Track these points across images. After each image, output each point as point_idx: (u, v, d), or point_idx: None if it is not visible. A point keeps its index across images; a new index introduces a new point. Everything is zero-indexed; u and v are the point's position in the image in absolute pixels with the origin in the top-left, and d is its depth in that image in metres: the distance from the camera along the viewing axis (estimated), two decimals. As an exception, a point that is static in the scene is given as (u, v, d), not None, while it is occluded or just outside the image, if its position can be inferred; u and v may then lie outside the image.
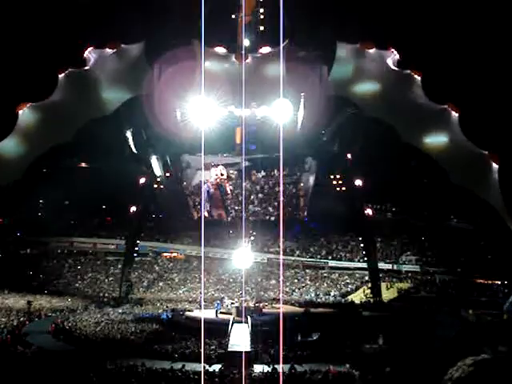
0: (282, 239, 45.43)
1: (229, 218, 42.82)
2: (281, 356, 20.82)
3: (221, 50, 31.18)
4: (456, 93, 34.10)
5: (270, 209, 45.38)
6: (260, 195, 45.34)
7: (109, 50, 31.67)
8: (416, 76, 31.51)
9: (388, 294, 49.17)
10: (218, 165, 40.59)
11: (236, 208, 42.14)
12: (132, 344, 30.25)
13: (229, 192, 37.41)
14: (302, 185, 46.31)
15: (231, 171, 42.06)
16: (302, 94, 33.09)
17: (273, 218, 45.61)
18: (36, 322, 38.19)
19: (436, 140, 33.11)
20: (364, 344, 29.00)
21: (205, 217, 40.07)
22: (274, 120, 33.67)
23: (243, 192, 39.81)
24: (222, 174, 38.19)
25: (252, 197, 44.48)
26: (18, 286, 50.44)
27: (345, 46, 31.76)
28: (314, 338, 31.01)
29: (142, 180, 47.84)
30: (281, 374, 22.33)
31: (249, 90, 28.90)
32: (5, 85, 32.60)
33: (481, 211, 38.19)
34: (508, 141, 34.86)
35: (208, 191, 39.33)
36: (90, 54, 31.58)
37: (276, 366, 24.00)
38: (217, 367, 24.58)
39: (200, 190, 41.96)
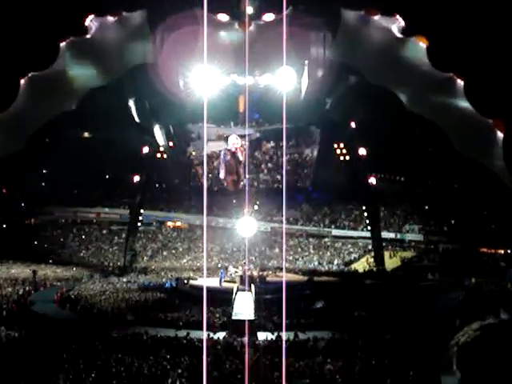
0: (284, 208, 45.35)
1: (240, 186, 42.93)
2: (284, 324, 20.94)
3: (224, 17, 30.74)
4: (462, 61, 33.69)
5: (279, 177, 45.49)
6: (270, 165, 45.34)
7: (110, 18, 31.24)
8: (421, 43, 31.10)
9: (391, 262, 49.38)
10: (232, 134, 40.47)
11: (247, 176, 42.23)
12: (137, 312, 30.49)
13: (241, 160, 37.30)
14: (306, 154, 46.25)
15: (242, 142, 41.96)
16: (306, 61, 32.75)
17: (280, 187, 45.73)
18: (41, 292, 38.48)
19: (441, 108, 32.83)
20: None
21: (219, 184, 40.18)
22: (278, 88, 33.41)
23: (245, 161, 39.71)
24: (237, 143, 38.16)
25: (262, 166, 44.48)
26: (22, 255, 50.78)
27: (349, 13, 31.28)
28: (318, 306, 31.23)
29: (146, 149, 47.78)
30: (283, 340, 22.53)
31: (252, 58, 28.66)
32: (6, 54, 32.27)
33: (485, 180, 38.09)
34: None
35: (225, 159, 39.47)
36: (91, 22, 31.16)
37: (280, 334, 24.21)
38: (221, 335, 24.79)
39: (209, 160, 41.95)
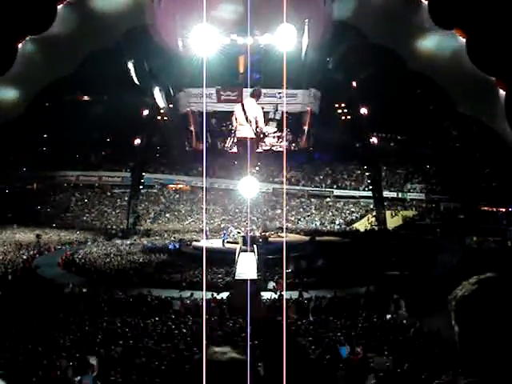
0: (285, 168, 45.36)
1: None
2: (284, 283, 21.20)
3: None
4: (464, 17, 33.18)
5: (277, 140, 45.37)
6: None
7: (108, -22, 30.79)
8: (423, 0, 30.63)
9: (393, 221, 49.63)
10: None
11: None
12: (141, 274, 30.79)
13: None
14: (307, 114, 45.99)
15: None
16: (306, 20, 32.32)
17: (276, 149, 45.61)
18: (46, 255, 38.78)
19: (442, 66, 32.52)
20: None
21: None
22: (278, 48, 33.05)
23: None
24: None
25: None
26: (26, 220, 51.05)
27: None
28: (319, 264, 31.48)
29: (146, 112, 47.57)
30: (284, 299, 22.82)
31: (252, 18, 28.25)
32: (2, 18, 31.81)
33: (486, 139, 37.95)
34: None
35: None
36: (88, -18, 30.72)
37: (283, 293, 24.50)
38: (225, 295, 25.08)
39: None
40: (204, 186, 43.93)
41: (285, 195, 51.79)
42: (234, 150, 45.37)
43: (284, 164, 32.38)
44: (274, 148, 44.46)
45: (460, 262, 29.94)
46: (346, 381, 10.96)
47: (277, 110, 41.90)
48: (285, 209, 52.67)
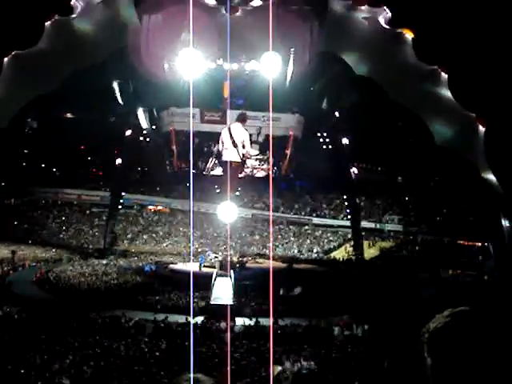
0: (271, 195, 45.35)
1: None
2: (271, 309, 21.09)
3: (211, 0, 30.55)
4: (447, 54, 33.86)
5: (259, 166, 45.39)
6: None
7: (97, -2, 30.94)
8: (407, 35, 31.19)
9: (370, 252, 49.80)
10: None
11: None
12: (115, 295, 30.49)
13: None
14: (289, 138, 46.23)
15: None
16: (292, 49, 32.69)
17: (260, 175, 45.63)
18: (20, 272, 38.30)
19: (424, 100, 33.03)
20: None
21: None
22: (264, 74, 33.35)
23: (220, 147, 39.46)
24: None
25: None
26: (1, 235, 50.31)
27: (337, 2, 31.27)
28: (296, 292, 31.44)
29: (128, 132, 47.49)
30: (271, 326, 22.73)
31: (238, 44, 28.50)
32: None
33: (465, 173, 38.42)
34: (495, 104, 34.85)
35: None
36: (77, 1, 30.81)
37: (258, 319, 24.41)
38: (199, 319, 24.91)
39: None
40: (191, 207, 43.71)
41: (271, 220, 51.66)
42: (215, 172, 45.30)
43: (270, 188, 32.54)
44: (255, 171, 44.46)
45: (435, 295, 30.08)
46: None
47: (260, 133, 41.97)
48: (271, 234, 52.67)
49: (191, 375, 1.92)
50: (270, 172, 41.19)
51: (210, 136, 41.70)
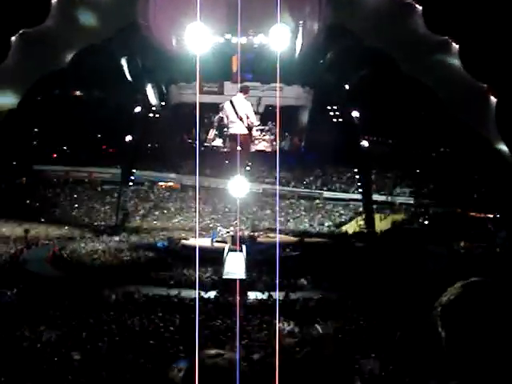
0: (278, 169, 45.35)
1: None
2: (277, 281, 21.25)
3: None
4: (457, 24, 33.40)
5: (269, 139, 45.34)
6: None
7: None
8: (417, 6, 30.79)
9: (381, 225, 49.73)
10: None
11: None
12: (128, 271, 30.69)
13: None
14: (299, 115, 46.04)
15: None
16: (301, 21, 32.39)
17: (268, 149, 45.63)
18: (33, 250, 38.60)
19: (435, 71, 32.71)
20: None
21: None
22: (272, 48, 33.06)
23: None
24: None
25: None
26: (14, 214, 50.62)
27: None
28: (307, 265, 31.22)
29: (138, 109, 47.42)
30: (277, 299, 22.85)
31: (246, 17, 28.30)
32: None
33: (476, 144, 38.16)
34: (507, 75, 34.44)
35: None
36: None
37: (271, 293, 24.54)
38: (212, 294, 25.07)
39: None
40: (197, 182, 43.64)
41: (278, 194, 51.56)
42: (216, 143, 45.24)
43: (277, 159, 32.39)
44: (257, 142, 44.14)
45: (447, 267, 30.06)
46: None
47: (260, 104, 41.64)
48: (277, 209, 52.66)
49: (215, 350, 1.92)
50: (277, 143, 41.11)
51: (209, 107, 41.63)
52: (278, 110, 38.92)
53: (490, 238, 41.64)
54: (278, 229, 43.15)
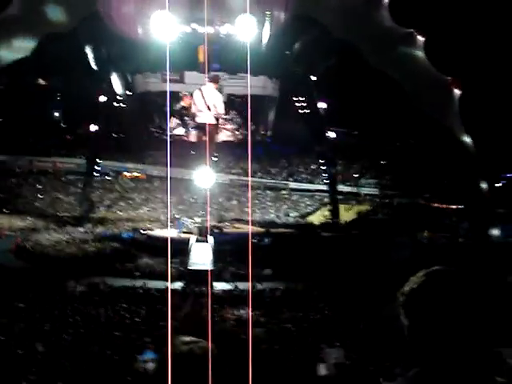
0: (250, 160, 45.16)
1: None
2: (250, 273, 21.25)
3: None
4: (422, 17, 33.81)
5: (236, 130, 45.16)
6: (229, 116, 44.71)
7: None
8: (384, -1, 31.03)
9: (347, 215, 50.17)
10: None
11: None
12: (93, 262, 30.42)
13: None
14: (265, 106, 45.96)
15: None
16: (268, 12, 32.36)
17: (234, 140, 45.48)
18: (-3, 241, 38.01)
19: (401, 64, 33.03)
20: None
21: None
22: (239, 38, 32.94)
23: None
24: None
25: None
26: (-24, 205, 49.71)
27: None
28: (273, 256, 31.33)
29: (103, 98, 46.82)
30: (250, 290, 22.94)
31: (213, 7, 28.14)
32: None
33: (440, 136, 38.66)
34: (471, 67, 35.02)
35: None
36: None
37: (237, 284, 24.61)
38: (178, 285, 25.03)
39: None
40: (168, 170, 43.21)
41: (250, 182, 51.44)
42: (177, 131, 44.96)
43: (249, 146, 32.40)
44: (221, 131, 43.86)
45: (411, 257, 30.50)
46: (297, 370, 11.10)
47: (221, 93, 41.36)
48: (250, 198, 52.63)
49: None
50: (249, 132, 41.08)
51: (172, 96, 41.27)
52: (248, 100, 38.79)
53: (453, 229, 42.39)
54: (250, 219, 43.16)
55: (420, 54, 32.02)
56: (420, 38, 31.60)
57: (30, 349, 12.48)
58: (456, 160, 37.77)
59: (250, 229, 32.84)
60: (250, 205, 53.59)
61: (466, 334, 1.68)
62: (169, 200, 38.19)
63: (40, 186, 58.41)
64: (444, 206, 50.97)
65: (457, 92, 32.46)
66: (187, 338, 1.91)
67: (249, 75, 27.94)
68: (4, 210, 51.31)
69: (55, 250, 33.90)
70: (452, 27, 34.51)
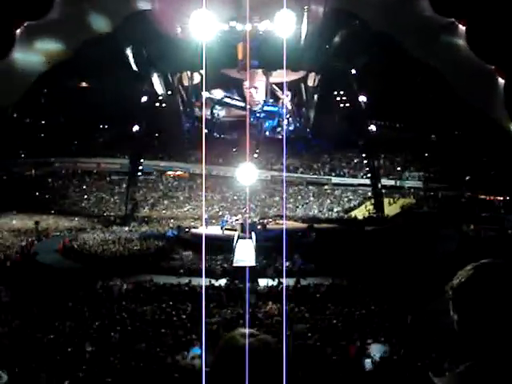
0: (285, 155, 45.15)
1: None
2: (284, 268, 21.29)
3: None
4: (464, 6, 33.11)
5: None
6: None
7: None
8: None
9: (390, 209, 49.64)
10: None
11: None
12: (139, 261, 30.81)
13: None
14: (305, 101, 45.84)
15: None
16: (306, 6, 32.20)
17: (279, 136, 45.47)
18: (44, 242, 38.82)
19: (443, 54, 32.47)
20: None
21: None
22: (278, 34, 32.84)
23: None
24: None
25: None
26: (24, 206, 50.89)
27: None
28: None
29: (144, 98, 47.40)
30: (284, 286, 22.90)
31: (251, 4, 28.16)
32: (2, 4, 31.53)
33: (485, 127, 37.91)
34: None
35: None
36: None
37: (281, 280, 24.59)
38: (222, 282, 25.15)
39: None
40: (203, 168, 43.50)
41: (285, 178, 51.51)
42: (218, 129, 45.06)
43: (284, 144, 32.24)
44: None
45: (457, 250, 30.00)
46: (343, 366, 11.04)
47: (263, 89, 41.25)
48: (284, 196, 52.67)
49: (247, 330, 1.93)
50: (284, 128, 40.95)
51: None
52: (285, 98, 38.77)
53: (500, 221, 41.47)
54: (284, 214, 43.09)
55: (462, 43, 31.42)
56: (461, 28, 30.99)
57: (79, 347, 12.73)
58: (502, 151, 36.96)
59: (284, 224, 32.77)
60: (284, 200, 53.50)
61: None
62: (203, 197, 38.34)
63: (85, 187, 59.54)
64: (490, 197, 49.91)
65: (501, 81, 31.72)
66: (245, 330, 1.89)
67: (284, 71, 27.80)
68: (51, 211, 52.48)
69: (101, 249, 34.47)
70: (494, 14, 33.68)
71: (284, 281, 24.30)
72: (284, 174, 48.85)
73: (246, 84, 36.14)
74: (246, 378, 1.73)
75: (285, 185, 53.40)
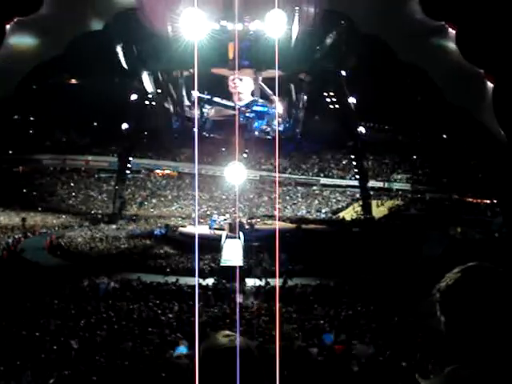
0: (277, 156, 45.18)
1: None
2: (277, 269, 21.29)
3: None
4: (454, 10, 33.22)
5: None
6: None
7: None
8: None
9: (378, 211, 49.83)
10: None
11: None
12: (126, 259, 30.74)
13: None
14: (295, 102, 45.81)
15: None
16: (297, 7, 32.22)
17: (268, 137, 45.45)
18: (31, 239, 38.62)
19: (432, 57, 32.58)
20: None
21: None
22: (268, 34, 32.82)
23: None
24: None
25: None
26: (11, 203, 50.63)
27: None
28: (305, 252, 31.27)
29: (134, 96, 47.22)
30: (277, 285, 22.93)
31: (242, 3, 28.10)
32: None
33: (473, 130, 38.09)
34: (504, 60, 34.33)
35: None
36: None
37: (268, 280, 24.60)
38: (210, 281, 25.12)
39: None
40: (196, 168, 43.48)
41: (277, 180, 51.57)
42: (207, 128, 44.93)
43: (276, 151, 32.26)
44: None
45: (444, 253, 30.15)
46: (329, 367, 11.06)
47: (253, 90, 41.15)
48: (277, 195, 52.72)
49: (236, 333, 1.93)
50: (277, 128, 40.94)
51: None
52: (276, 98, 38.73)
53: (487, 224, 41.73)
54: (277, 215, 43.07)
55: (452, 46, 31.55)
56: (451, 31, 31.11)
57: (65, 345, 12.66)
58: (489, 154, 37.15)
59: (277, 224, 32.79)
60: (276, 201, 53.56)
61: (504, 331, 1.66)
62: (196, 196, 38.33)
63: (73, 184, 59.28)
64: (478, 200, 50.22)
65: (490, 85, 31.89)
66: (226, 332, 1.90)
67: (277, 71, 27.79)
68: (38, 208, 52.21)
69: (89, 246, 34.39)
70: (484, 18, 33.82)
71: (277, 280, 24.29)
72: (277, 174, 48.87)
73: (231, 77, 36.09)
74: (227, 378, 1.74)
75: (277, 185, 53.43)
